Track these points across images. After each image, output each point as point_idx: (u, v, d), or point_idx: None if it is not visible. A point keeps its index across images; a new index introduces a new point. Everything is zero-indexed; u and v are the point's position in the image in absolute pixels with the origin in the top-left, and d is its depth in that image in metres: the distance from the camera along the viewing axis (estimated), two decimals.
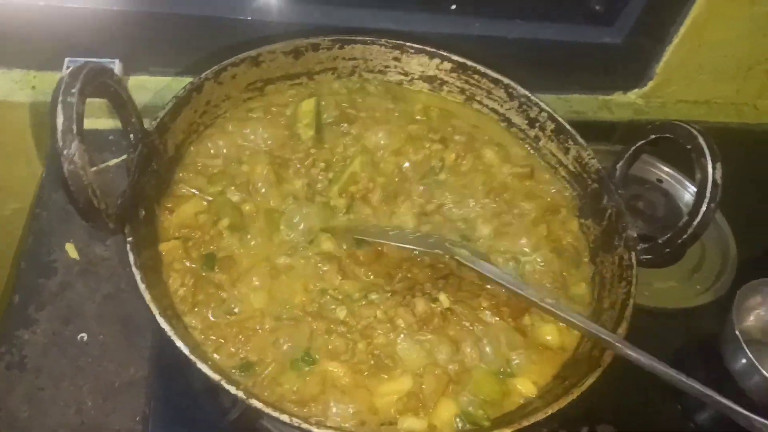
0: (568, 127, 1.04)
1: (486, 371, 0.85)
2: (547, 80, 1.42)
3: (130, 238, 0.75)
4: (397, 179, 1.02)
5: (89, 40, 1.14)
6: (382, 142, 1.04)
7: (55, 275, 1.05)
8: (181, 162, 0.95)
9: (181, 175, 0.94)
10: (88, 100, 1.14)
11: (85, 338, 0.99)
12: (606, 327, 0.87)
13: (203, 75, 0.93)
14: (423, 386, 0.81)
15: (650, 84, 1.50)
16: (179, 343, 0.70)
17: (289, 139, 1.02)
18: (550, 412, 0.75)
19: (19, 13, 1.09)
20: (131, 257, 0.74)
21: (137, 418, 0.93)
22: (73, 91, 0.66)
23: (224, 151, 0.98)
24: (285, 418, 0.69)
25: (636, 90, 1.53)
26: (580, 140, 1.03)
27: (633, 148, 0.96)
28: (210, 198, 0.92)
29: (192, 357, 0.69)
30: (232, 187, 0.93)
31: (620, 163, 0.98)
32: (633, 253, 0.91)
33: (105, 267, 1.07)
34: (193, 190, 0.92)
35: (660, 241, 0.89)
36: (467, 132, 1.10)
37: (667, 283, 1.23)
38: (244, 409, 0.83)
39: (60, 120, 0.64)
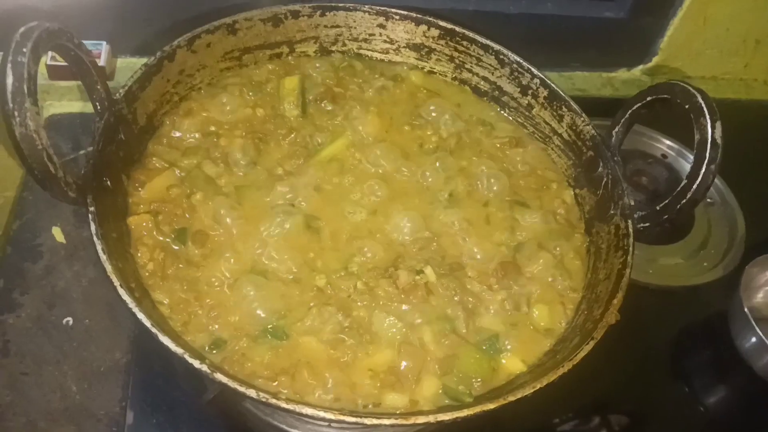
0: (561, 93, 0.99)
1: (472, 346, 0.80)
2: (548, 57, 1.36)
3: (92, 208, 0.72)
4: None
5: (76, 21, 1.12)
6: (366, 125, 1.01)
7: (41, 259, 1.03)
8: (153, 134, 0.92)
9: (153, 147, 0.91)
10: (77, 83, 1.15)
11: (71, 322, 0.98)
12: (601, 298, 0.83)
13: (175, 42, 0.90)
14: (404, 361, 0.77)
15: (655, 60, 1.47)
16: (140, 316, 0.66)
17: (272, 116, 0.99)
18: (538, 386, 0.71)
19: None
20: (93, 227, 0.71)
21: (123, 403, 0.91)
22: (24, 50, 0.62)
23: (200, 124, 0.95)
24: (252, 393, 0.65)
25: (641, 66, 1.49)
26: (575, 107, 0.98)
27: (629, 111, 0.91)
28: (184, 172, 0.89)
29: (154, 330, 0.66)
30: (208, 161, 0.90)
31: (616, 128, 0.92)
32: (630, 221, 0.86)
33: (92, 251, 1.04)
34: (166, 164, 0.89)
35: (658, 208, 0.84)
36: (451, 112, 1.06)
37: (673, 260, 1.19)
38: (220, 389, 0.81)
39: (9, 80, 0.61)
